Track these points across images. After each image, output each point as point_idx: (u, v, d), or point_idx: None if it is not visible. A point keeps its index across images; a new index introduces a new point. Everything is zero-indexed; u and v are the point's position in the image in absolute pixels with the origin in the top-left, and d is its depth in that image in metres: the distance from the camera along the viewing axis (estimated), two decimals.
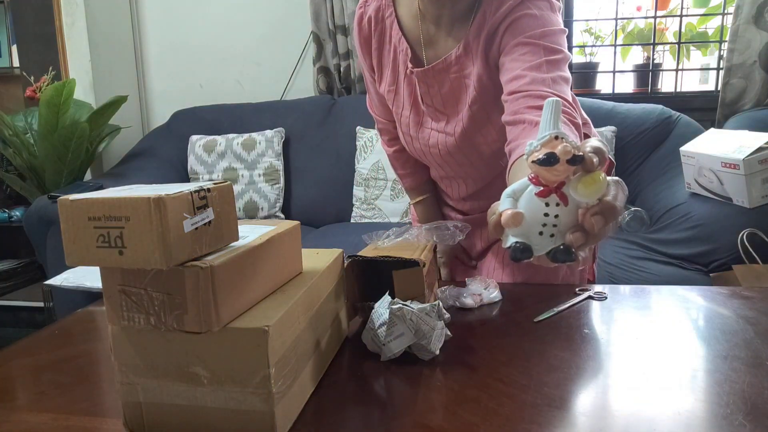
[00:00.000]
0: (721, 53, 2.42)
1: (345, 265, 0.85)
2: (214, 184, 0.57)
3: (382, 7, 0.96)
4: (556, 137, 0.34)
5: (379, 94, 1.06)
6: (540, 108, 0.63)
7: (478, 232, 1.14)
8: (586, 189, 0.33)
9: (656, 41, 2.52)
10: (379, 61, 0.99)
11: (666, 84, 2.58)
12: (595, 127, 2.09)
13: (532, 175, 0.35)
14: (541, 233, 0.34)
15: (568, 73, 0.82)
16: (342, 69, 2.54)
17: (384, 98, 1.05)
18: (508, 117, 0.78)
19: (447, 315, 0.83)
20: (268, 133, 2.42)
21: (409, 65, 0.94)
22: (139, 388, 0.59)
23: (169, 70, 2.84)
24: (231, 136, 2.45)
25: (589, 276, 1.19)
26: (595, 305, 0.95)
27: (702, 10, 2.56)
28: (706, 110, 2.31)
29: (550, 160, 0.33)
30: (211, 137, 2.47)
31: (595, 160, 0.35)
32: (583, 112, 1.08)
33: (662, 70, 2.55)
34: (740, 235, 1.49)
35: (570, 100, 0.79)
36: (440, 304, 0.77)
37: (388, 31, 0.96)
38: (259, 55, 2.73)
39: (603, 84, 2.59)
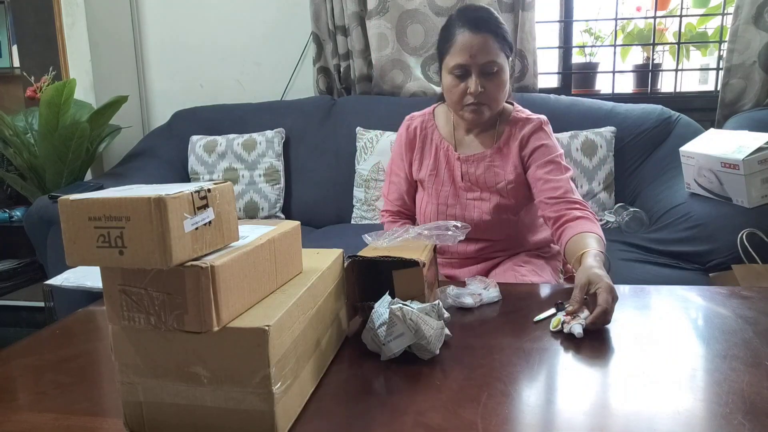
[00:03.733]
0: (721, 53, 2.42)
1: (345, 265, 0.85)
2: (215, 184, 0.57)
3: (425, 121, 1.41)
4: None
5: (408, 180, 1.43)
6: (574, 207, 1.19)
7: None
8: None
9: (656, 41, 2.52)
10: (421, 155, 1.40)
11: (666, 84, 2.57)
12: (595, 127, 2.11)
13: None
14: None
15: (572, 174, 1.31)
16: (342, 69, 2.54)
17: (409, 184, 1.43)
18: (552, 214, 1.21)
19: (447, 315, 0.83)
20: (269, 133, 2.42)
21: (455, 154, 1.36)
22: (139, 387, 0.59)
23: (169, 70, 2.84)
24: (231, 136, 2.44)
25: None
26: None
27: (702, 11, 2.56)
28: (706, 110, 2.30)
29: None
30: (212, 137, 2.47)
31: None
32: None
33: (662, 71, 2.55)
34: (740, 235, 1.49)
35: (578, 194, 1.26)
36: (440, 304, 0.77)
37: (430, 135, 1.40)
38: (259, 55, 2.73)
39: (603, 84, 2.58)
